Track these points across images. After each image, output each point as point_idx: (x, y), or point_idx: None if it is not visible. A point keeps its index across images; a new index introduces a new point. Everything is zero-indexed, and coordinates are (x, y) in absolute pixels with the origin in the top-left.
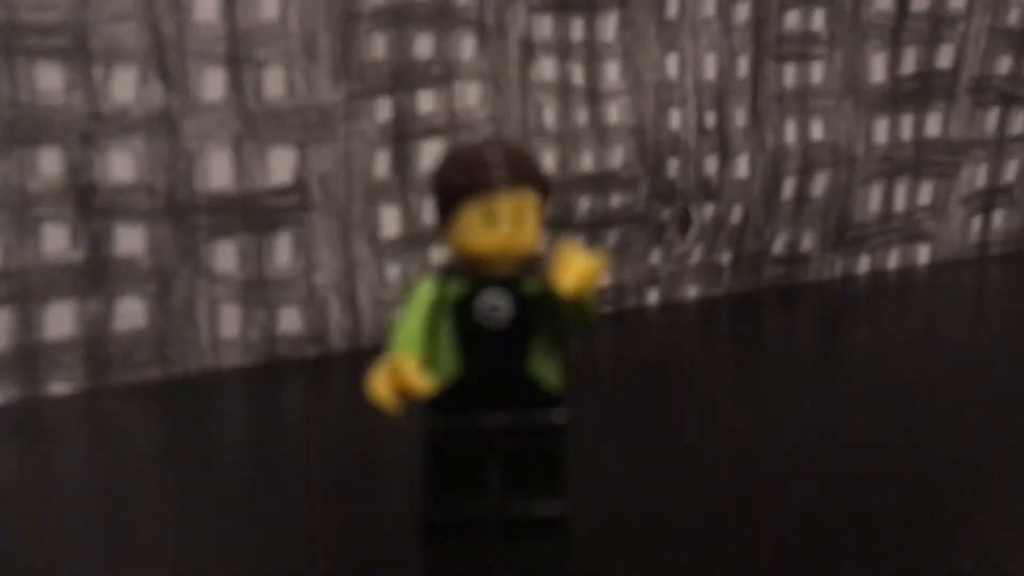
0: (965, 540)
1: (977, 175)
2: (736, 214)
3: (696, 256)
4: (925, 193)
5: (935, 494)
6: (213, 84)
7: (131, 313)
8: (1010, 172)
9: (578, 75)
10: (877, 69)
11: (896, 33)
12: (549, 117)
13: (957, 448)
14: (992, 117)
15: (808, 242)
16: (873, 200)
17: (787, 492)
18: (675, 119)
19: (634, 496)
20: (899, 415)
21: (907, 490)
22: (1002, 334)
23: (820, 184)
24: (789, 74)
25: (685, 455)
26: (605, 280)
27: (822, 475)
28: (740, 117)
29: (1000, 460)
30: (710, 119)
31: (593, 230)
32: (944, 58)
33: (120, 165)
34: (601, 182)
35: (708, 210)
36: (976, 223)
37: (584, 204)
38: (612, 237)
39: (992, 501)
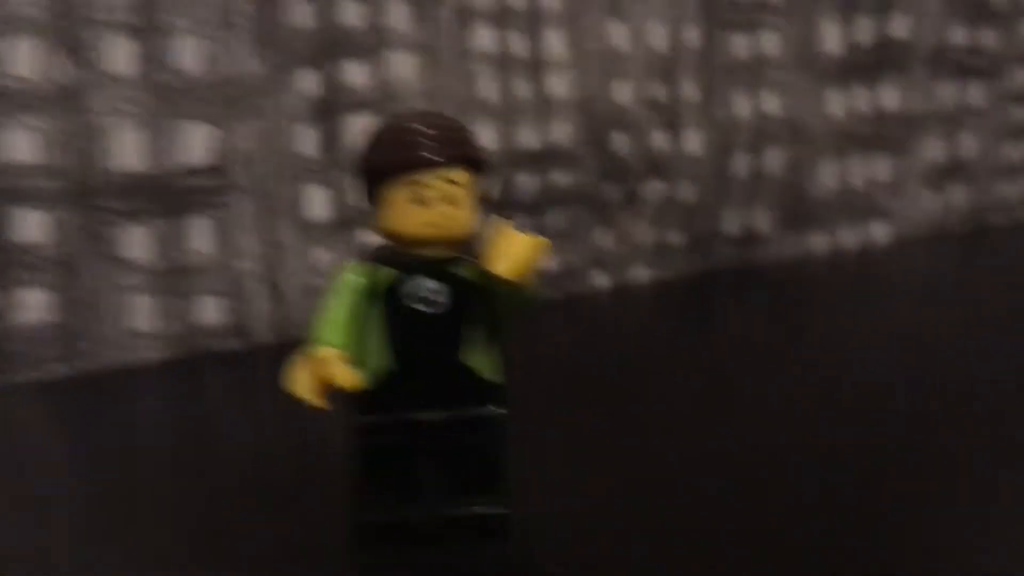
0: (928, 526)
1: (936, 150)
2: (687, 192)
3: (647, 237)
4: (883, 169)
5: (900, 481)
6: (122, 56)
7: (34, 305)
8: (970, 147)
9: (519, 45)
10: (832, 39)
11: (850, 1)
12: (488, 90)
13: (919, 432)
14: (951, 89)
15: (763, 221)
16: (830, 176)
17: (744, 484)
18: (623, 92)
19: (581, 493)
20: (859, 398)
21: (871, 477)
22: (963, 314)
23: (774, 160)
24: (741, 44)
25: (635, 448)
26: (546, 263)
27: (782, 465)
28: (690, 90)
29: (962, 442)
30: (659, 92)
31: (536, 210)
32: (900, 28)
33: (20, 144)
34: (545, 159)
35: (658, 188)
36: (936, 200)
37: (527, 182)
38: (557, 217)
39: (957, 486)
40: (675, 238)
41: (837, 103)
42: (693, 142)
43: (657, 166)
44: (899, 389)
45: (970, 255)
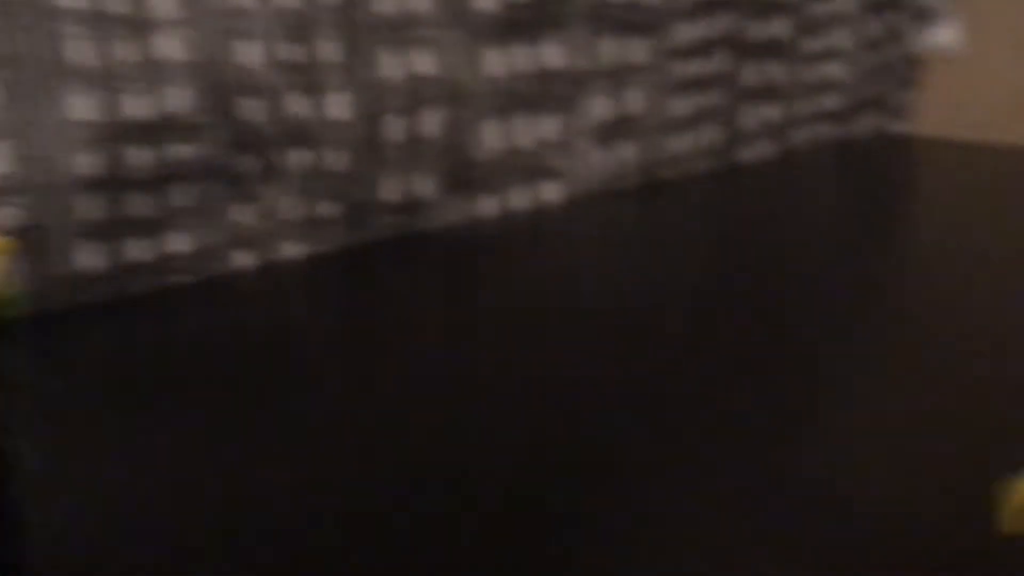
0: (594, 504)
1: (602, 107)
2: (336, 160)
3: (293, 210)
4: (549, 127)
5: (569, 457)
6: None
7: None
8: (634, 102)
9: (116, 1)
10: None
11: None
12: (80, 53)
13: (600, 395)
14: (612, 46)
15: (425, 186)
16: (494, 137)
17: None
18: (249, 53)
19: (144, 524)
20: (538, 367)
21: (547, 454)
22: (639, 269)
23: (432, 122)
24: (386, 1)
25: (259, 459)
26: (11, 263)
27: (423, 455)
28: (330, 50)
29: (638, 400)
30: (293, 53)
31: (154, 186)
32: None
33: None
34: (159, 130)
35: (301, 157)
36: (605, 156)
37: (139, 157)
38: (182, 193)
39: (629, 456)
40: (327, 209)
41: (496, 62)
42: (338, 106)
43: (298, 133)
44: (580, 353)
45: (643, 210)
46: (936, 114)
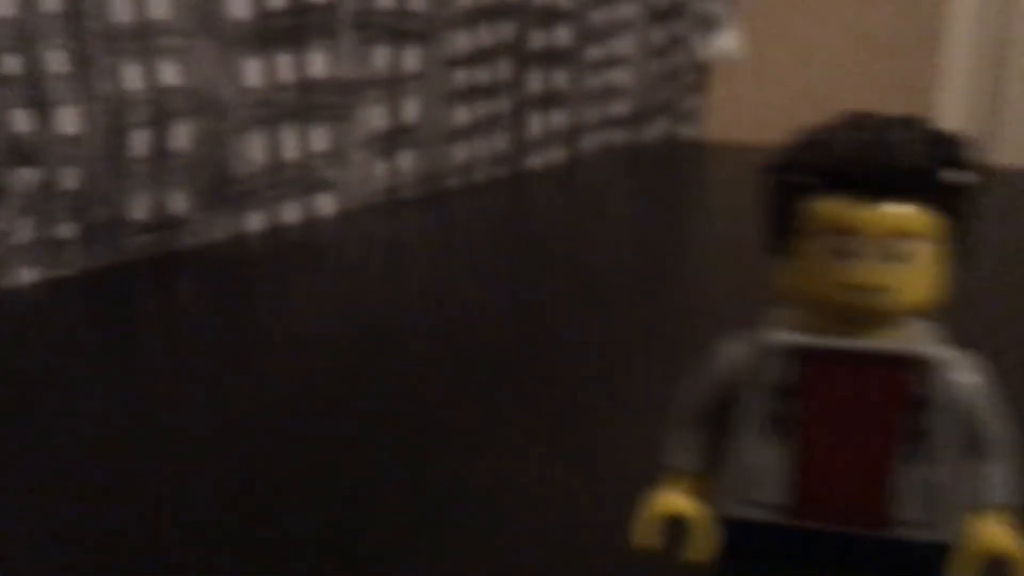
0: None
1: (376, 116)
2: (70, 178)
3: (23, 233)
4: (319, 138)
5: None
6: None
7: None
8: (411, 111)
9: None
10: (238, 4)
11: None
12: None
13: (377, 422)
14: (383, 54)
15: (179, 203)
16: (255, 150)
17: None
18: None
19: None
20: (318, 394)
21: (317, 490)
22: (419, 282)
23: (182, 135)
24: (122, 10)
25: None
26: None
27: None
28: (58, 61)
29: (403, 420)
30: (12, 64)
31: None
32: None
33: None
34: None
35: (29, 176)
36: (381, 167)
37: None
38: None
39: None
40: (63, 231)
41: (255, 72)
42: (69, 121)
43: (23, 151)
44: (367, 380)
45: (426, 220)
46: (724, 118)
